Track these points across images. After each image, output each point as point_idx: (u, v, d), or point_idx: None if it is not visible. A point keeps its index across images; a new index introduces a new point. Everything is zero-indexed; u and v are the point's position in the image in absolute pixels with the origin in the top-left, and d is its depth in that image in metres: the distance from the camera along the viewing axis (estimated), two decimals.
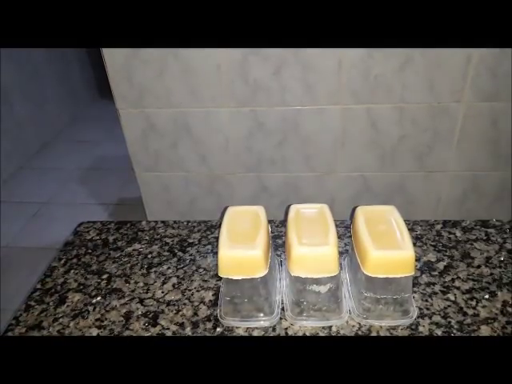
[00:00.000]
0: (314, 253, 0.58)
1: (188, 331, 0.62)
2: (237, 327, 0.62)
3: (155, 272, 0.73)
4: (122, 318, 0.65)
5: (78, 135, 3.02)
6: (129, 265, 0.75)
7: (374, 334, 0.60)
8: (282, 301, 0.65)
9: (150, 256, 0.77)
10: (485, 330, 0.60)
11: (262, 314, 0.62)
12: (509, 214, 1.31)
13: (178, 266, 0.74)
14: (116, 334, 0.62)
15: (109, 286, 0.71)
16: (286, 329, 0.62)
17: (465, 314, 0.62)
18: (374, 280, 0.58)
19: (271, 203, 1.33)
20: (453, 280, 0.68)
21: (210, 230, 0.83)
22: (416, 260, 0.71)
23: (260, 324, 0.62)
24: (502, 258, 0.72)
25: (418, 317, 0.62)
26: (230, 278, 0.59)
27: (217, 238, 0.79)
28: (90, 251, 0.79)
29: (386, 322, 0.61)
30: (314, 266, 0.58)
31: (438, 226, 0.80)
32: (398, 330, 0.60)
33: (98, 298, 0.69)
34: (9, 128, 2.52)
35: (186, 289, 0.70)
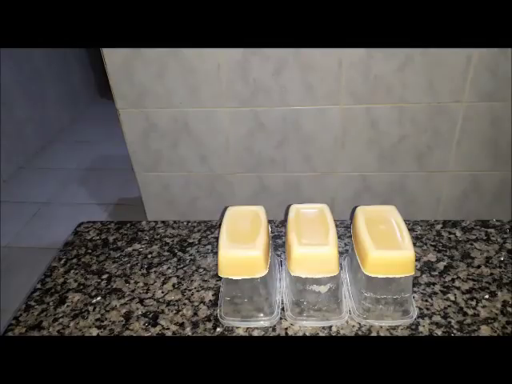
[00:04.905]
0: (314, 253, 0.58)
1: (188, 331, 0.62)
2: (237, 327, 0.62)
3: (155, 272, 0.73)
4: (121, 318, 0.65)
5: (78, 135, 3.02)
6: (129, 265, 0.75)
7: (374, 334, 0.60)
8: (282, 301, 0.65)
9: (150, 256, 0.77)
10: (485, 330, 0.60)
11: (261, 314, 0.62)
12: (509, 214, 1.31)
13: (178, 266, 0.74)
14: (116, 334, 0.62)
15: (109, 286, 0.71)
16: (286, 329, 0.62)
17: (465, 313, 0.62)
18: (373, 280, 0.58)
19: (271, 203, 1.33)
20: (453, 280, 0.68)
21: (210, 230, 0.83)
22: (416, 260, 0.71)
23: (260, 324, 0.62)
24: (502, 258, 0.72)
25: (418, 317, 0.62)
26: (230, 278, 0.59)
27: (217, 238, 0.79)
28: (90, 251, 0.79)
29: (386, 322, 0.61)
30: (314, 266, 0.58)
31: (438, 226, 0.80)
32: (398, 330, 0.60)
33: (98, 298, 0.69)
34: (9, 128, 2.51)
35: (185, 289, 0.70)
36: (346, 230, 0.81)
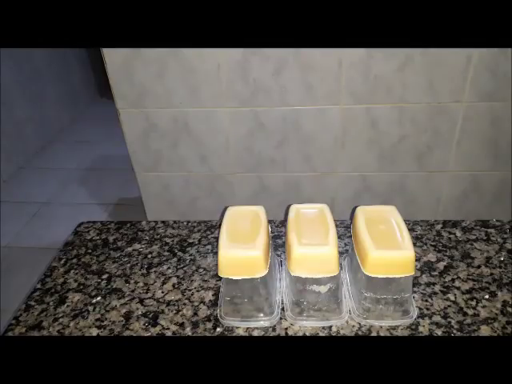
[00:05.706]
0: (314, 253, 0.58)
1: (188, 331, 0.62)
2: (237, 327, 0.62)
3: (155, 272, 0.73)
4: (121, 318, 0.65)
5: (78, 135, 3.02)
6: (129, 265, 0.75)
7: (374, 334, 0.60)
8: (282, 301, 0.65)
9: (150, 256, 0.77)
10: (485, 330, 0.60)
11: (262, 314, 0.62)
12: (509, 214, 1.31)
13: (178, 266, 0.74)
14: (116, 334, 0.62)
15: (109, 286, 0.71)
16: (286, 329, 0.62)
17: (465, 313, 0.62)
18: (373, 280, 0.58)
19: (271, 203, 1.33)
20: (453, 280, 0.68)
21: (210, 230, 0.83)
22: (416, 260, 0.71)
23: (260, 324, 0.62)
24: (502, 258, 0.72)
25: (418, 317, 0.62)
26: (230, 278, 0.59)
27: (217, 238, 0.79)
28: (90, 251, 0.79)
29: (386, 322, 0.61)
30: (314, 266, 0.58)
31: (438, 226, 0.80)
32: (398, 330, 0.60)
33: (98, 298, 0.69)
34: (9, 128, 2.51)
35: (185, 289, 0.70)
36: (346, 230, 0.81)
